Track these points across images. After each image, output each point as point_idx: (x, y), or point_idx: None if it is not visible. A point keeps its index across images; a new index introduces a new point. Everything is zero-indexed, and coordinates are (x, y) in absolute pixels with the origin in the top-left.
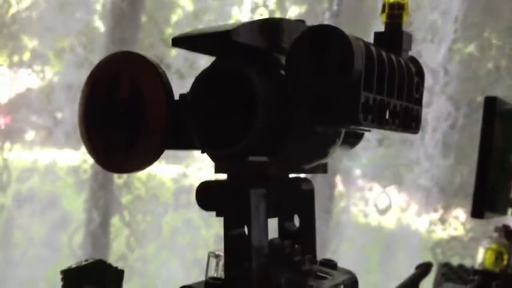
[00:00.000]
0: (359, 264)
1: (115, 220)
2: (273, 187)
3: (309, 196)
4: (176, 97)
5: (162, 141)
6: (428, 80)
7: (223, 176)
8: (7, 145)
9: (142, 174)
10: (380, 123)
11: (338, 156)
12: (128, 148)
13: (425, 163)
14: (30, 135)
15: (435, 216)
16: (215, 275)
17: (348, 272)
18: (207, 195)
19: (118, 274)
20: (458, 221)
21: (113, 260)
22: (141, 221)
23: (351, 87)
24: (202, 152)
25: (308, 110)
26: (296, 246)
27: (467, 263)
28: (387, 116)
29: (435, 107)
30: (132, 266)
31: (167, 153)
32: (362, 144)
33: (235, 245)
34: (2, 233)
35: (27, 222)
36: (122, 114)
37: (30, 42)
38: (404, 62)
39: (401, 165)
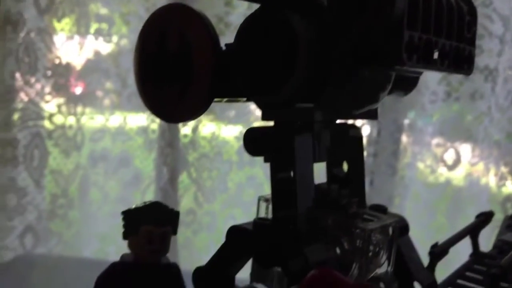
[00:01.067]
0: (426, 221)
1: (183, 177)
2: (319, 132)
3: (357, 142)
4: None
5: (210, 90)
6: (499, 29)
7: (270, 123)
8: (79, 108)
9: (206, 133)
10: (427, 64)
11: (404, 110)
12: (179, 99)
13: (496, 114)
14: (100, 98)
15: (506, 169)
16: None
17: (398, 216)
18: (254, 141)
19: (174, 215)
20: None
21: (182, 214)
22: (207, 177)
23: (393, 25)
24: (248, 100)
25: (351, 52)
26: (343, 190)
27: None
28: (435, 57)
29: (506, 56)
30: (200, 220)
31: (229, 113)
32: (429, 97)
33: (282, 189)
34: (79, 190)
35: (101, 180)
36: (172, 66)
37: (96, 7)
38: (454, 1)
39: (471, 117)
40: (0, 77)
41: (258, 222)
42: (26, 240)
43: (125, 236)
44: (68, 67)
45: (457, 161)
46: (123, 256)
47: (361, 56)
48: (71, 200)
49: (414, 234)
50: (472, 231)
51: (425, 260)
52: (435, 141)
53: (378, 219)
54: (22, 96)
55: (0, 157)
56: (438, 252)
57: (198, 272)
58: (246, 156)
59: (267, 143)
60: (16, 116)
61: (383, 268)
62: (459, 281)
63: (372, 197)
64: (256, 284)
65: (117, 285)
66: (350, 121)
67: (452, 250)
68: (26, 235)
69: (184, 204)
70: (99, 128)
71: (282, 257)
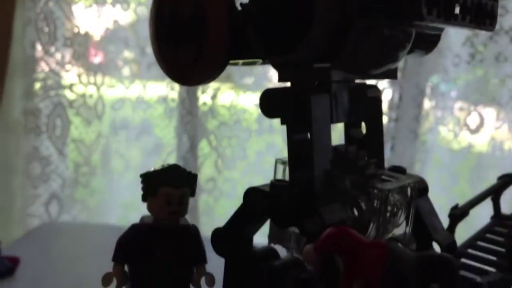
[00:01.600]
0: (448, 187)
1: (203, 145)
2: (337, 93)
3: (376, 102)
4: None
5: (226, 52)
6: None
7: (287, 85)
8: (99, 77)
9: (225, 101)
10: (448, 18)
11: (426, 74)
12: (195, 61)
13: None
14: (119, 67)
15: None
16: None
17: (417, 177)
18: (270, 103)
19: (192, 177)
20: None
21: (203, 181)
22: (227, 145)
23: None
24: (264, 61)
25: (368, 7)
26: (361, 151)
27: None
28: (456, 11)
29: None
30: (221, 187)
31: (248, 81)
32: (452, 60)
33: (299, 150)
34: (101, 159)
35: (123, 148)
36: (187, 28)
37: None
38: None
39: (495, 80)
40: (21, 46)
41: (275, 184)
42: (51, 208)
43: (144, 198)
44: (87, 36)
45: (480, 125)
46: (142, 218)
47: (379, 12)
48: (94, 168)
49: (436, 200)
50: (494, 193)
51: (447, 225)
52: (458, 105)
53: (397, 179)
54: (43, 65)
55: (23, 127)
56: (459, 213)
57: (217, 233)
58: (266, 123)
59: (283, 104)
60: (37, 85)
61: (402, 229)
62: (480, 243)
63: (393, 162)
64: (274, 246)
65: (137, 246)
66: (369, 82)
67: (473, 212)
68: (51, 203)
69: (205, 171)
70: (119, 97)
71: (298, 217)
